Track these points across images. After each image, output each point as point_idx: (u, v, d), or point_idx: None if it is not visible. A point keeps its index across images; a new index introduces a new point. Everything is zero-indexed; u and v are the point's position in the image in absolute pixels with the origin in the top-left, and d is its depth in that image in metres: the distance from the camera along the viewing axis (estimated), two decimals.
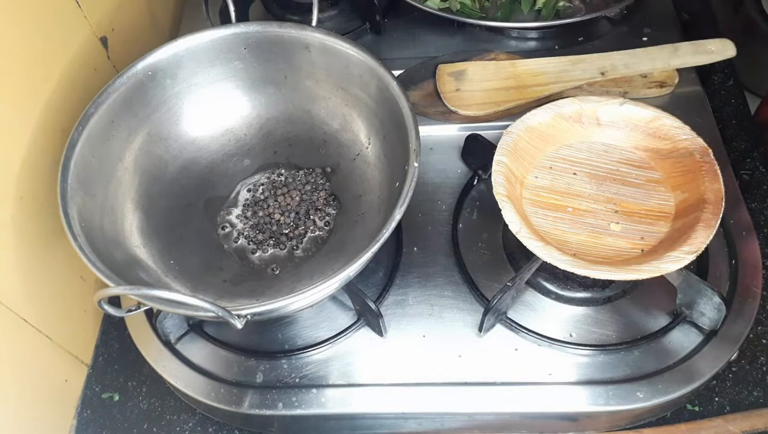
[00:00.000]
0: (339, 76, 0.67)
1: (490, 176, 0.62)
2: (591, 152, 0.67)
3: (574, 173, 0.65)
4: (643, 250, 0.60)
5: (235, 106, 0.71)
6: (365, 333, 0.64)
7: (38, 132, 0.61)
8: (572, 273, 0.55)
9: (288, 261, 0.66)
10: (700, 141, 0.63)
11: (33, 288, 0.61)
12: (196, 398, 0.61)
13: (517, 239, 0.57)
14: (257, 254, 0.66)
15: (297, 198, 0.69)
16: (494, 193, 0.59)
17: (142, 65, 0.64)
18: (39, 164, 0.61)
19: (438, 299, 0.65)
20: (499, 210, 0.58)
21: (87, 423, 0.65)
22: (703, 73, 0.80)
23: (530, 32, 0.85)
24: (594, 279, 0.61)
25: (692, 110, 0.75)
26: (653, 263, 0.55)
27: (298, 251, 0.66)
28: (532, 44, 0.84)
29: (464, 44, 0.84)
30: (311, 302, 0.56)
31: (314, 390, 0.61)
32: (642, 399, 0.58)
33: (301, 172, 0.71)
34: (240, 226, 0.68)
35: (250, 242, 0.67)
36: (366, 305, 0.60)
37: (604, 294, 0.63)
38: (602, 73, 0.75)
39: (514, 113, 0.74)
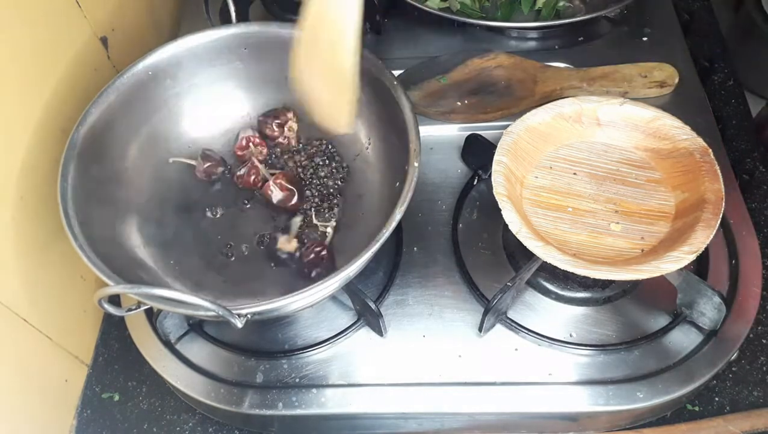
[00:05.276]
0: None
1: (490, 176, 0.62)
2: (591, 152, 0.67)
3: (574, 173, 0.65)
4: (643, 250, 0.60)
5: (235, 107, 0.71)
6: (365, 333, 0.64)
7: (38, 132, 0.61)
8: (572, 273, 0.55)
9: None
10: (700, 141, 0.63)
11: (33, 288, 0.61)
12: (196, 398, 0.61)
13: (517, 239, 0.57)
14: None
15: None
16: (494, 193, 0.59)
17: (142, 65, 0.64)
18: (39, 164, 0.61)
19: (438, 299, 0.65)
20: (499, 210, 0.58)
21: (87, 423, 0.65)
22: (703, 73, 0.80)
23: (530, 32, 0.84)
24: (594, 279, 0.61)
25: (692, 109, 0.75)
26: (653, 263, 0.55)
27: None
28: (532, 44, 0.84)
29: (464, 44, 0.84)
30: (311, 302, 0.56)
31: (314, 390, 0.61)
32: (642, 399, 0.58)
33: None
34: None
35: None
36: (366, 305, 0.60)
37: (604, 294, 0.63)
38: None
39: (514, 113, 0.74)
